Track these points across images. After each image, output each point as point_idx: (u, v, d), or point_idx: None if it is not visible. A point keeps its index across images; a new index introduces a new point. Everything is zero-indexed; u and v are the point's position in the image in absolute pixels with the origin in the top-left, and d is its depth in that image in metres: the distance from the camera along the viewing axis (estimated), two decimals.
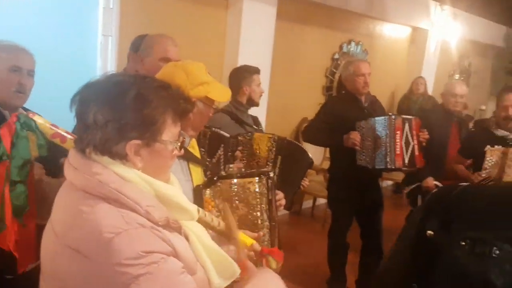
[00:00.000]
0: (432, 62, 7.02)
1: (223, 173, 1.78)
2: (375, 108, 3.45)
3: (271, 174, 1.70)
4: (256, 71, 2.96)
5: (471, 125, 4.98)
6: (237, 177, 1.67)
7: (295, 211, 5.58)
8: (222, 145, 2.34)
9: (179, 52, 2.37)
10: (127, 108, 0.94)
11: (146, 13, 3.59)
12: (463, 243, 0.76)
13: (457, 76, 7.95)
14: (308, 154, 2.85)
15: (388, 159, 3.15)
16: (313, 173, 5.31)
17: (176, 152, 1.03)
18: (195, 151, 1.72)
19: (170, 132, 1.01)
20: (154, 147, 0.99)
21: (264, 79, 4.49)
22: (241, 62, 4.15)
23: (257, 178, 1.66)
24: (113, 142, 0.96)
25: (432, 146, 3.50)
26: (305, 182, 2.84)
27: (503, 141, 3.01)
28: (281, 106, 5.01)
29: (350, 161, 3.23)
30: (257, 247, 1.31)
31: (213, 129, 2.33)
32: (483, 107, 8.69)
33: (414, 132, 3.20)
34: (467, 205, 0.82)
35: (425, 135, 3.22)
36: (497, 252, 0.73)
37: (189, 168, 1.60)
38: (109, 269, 0.86)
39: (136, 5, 3.51)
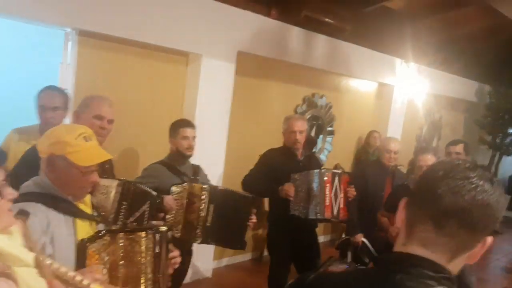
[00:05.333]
0: (399, 116, 7.32)
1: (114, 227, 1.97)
2: (311, 163, 3.69)
3: (163, 229, 1.85)
4: (182, 125, 3.21)
5: None
6: (124, 232, 1.80)
7: (257, 258, 5.71)
8: (148, 201, 2.57)
9: (114, 112, 2.63)
10: None
11: (104, 69, 3.89)
12: None
13: (425, 129, 8.25)
14: (246, 196, 3.09)
15: (318, 210, 3.37)
16: None
17: None
18: (87, 206, 1.86)
19: None
20: None
21: (221, 131, 4.78)
22: (198, 116, 4.44)
23: (144, 233, 1.80)
24: None
25: (367, 198, 3.73)
26: (252, 221, 3.09)
27: None
28: (242, 158, 5.22)
29: (286, 210, 3.45)
30: None
31: (138, 185, 2.57)
32: None
33: (342, 186, 3.43)
34: None
35: (352, 191, 3.44)
36: None
37: (74, 222, 1.73)
38: None
39: (93, 62, 3.81)
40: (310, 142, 6.29)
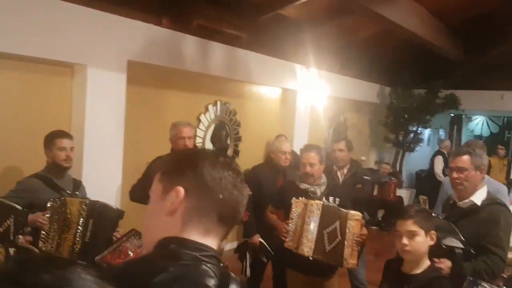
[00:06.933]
0: (304, 119, 7.55)
1: None
2: None
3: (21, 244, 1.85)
4: (58, 135, 3.10)
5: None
6: None
7: None
8: (12, 216, 2.45)
9: None
10: None
11: None
12: None
13: (331, 131, 8.58)
14: (115, 208, 3.03)
15: None
16: None
17: None
18: None
19: None
20: None
21: (116, 143, 4.65)
22: (88, 129, 4.29)
23: None
24: None
25: (262, 199, 3.80)
26: (118, 234, 3.00)
27: (305, 193, 3.34)
28: (142, 169, 5.12)
29: None
30: None
31: (0, 200, 2.45)
32: (363, 158, 9.36)
33: None
34: None
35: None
36: None
37: None
38: None
39: None
40: (224, 149, 6.34)
